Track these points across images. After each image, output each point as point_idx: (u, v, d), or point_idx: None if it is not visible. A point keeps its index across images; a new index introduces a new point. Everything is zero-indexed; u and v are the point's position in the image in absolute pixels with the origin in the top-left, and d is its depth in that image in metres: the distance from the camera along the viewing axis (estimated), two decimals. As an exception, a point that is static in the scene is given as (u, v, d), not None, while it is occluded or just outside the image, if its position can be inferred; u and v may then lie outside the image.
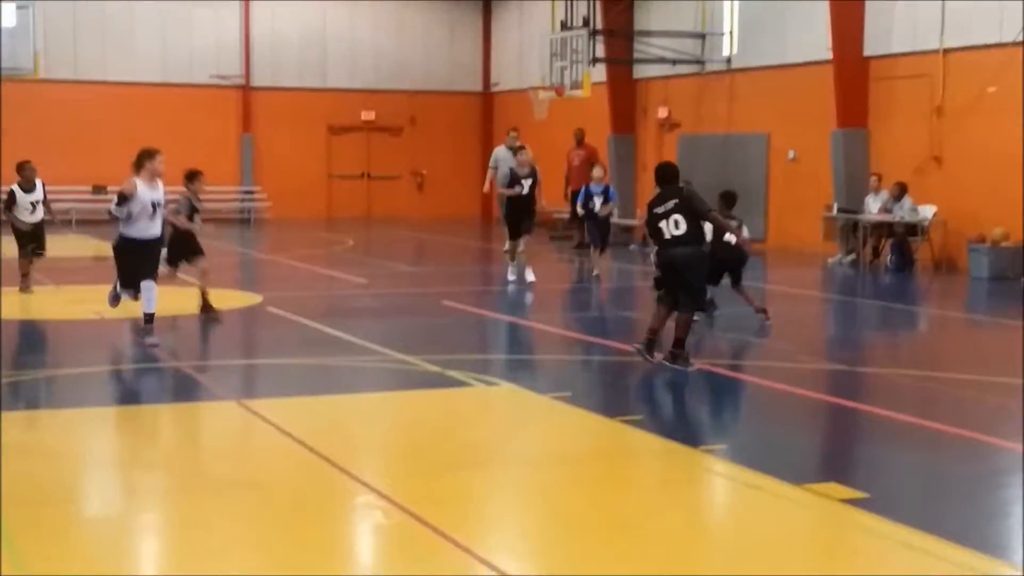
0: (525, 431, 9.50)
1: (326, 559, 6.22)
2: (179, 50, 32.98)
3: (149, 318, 12.28)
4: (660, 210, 10.97)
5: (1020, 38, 19.02)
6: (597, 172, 19.00)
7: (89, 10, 31.80)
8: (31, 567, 5.93)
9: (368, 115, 34.18)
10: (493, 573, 5.94)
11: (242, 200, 33.28)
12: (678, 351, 10.87)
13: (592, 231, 19.24)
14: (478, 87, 36.03)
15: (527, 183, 18.06)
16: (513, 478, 8.08)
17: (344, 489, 7.53)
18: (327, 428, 9.49)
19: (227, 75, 33.40)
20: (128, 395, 11.03)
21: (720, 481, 8.09)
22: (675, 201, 10.98)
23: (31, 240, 16.08)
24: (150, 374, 11.69)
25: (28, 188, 16.25)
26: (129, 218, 12.01)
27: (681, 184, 11.75)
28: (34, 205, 16.21)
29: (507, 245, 20.52)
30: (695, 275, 11.03)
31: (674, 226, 10.84)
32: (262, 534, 6.73)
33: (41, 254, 16.34)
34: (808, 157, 23.83)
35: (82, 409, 9.90)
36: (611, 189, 19.14)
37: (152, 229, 12.32)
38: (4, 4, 29.37)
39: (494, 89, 35.66)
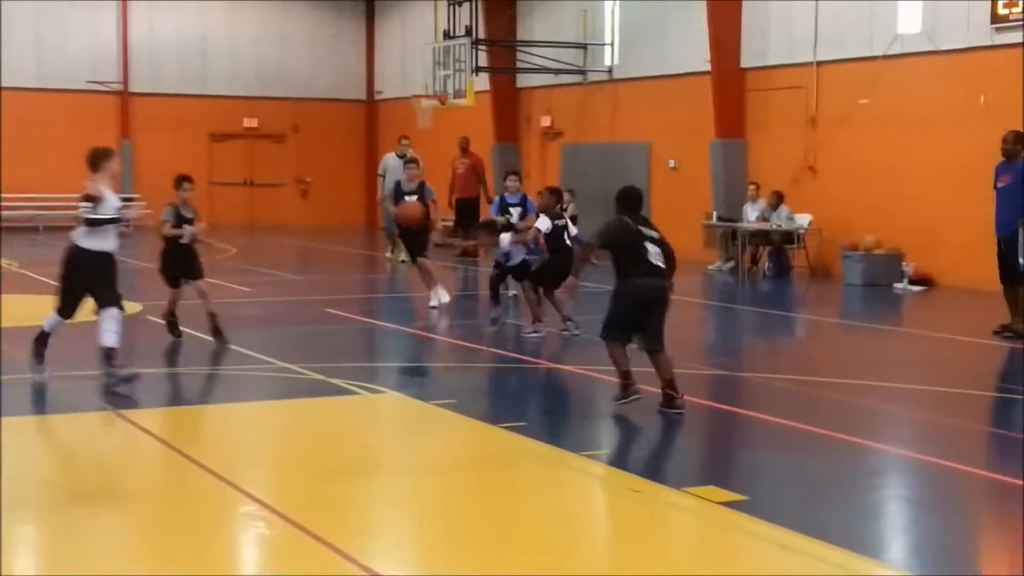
0: (409, 438, 9.46)
1: (204, 569, 6.13)
2: (54, 54, 32.42)
3: (110, 354, 10.41)
4: (650, 234, 9.99)
5: (889, 51, 19.58)
6: (512, 182, 16.05)
7: None
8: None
9: (251, 122, 34.08)
10: None
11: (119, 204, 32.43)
12: (675, 393, 9.60)
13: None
14: (362, 95, 36.04)
15: (411, 199, 15.97)
16: (397, 485, 8.03)
17: (225, 499, 7.42)
18: (208, 438, 9.40)
19: (104, 80, 32.95)
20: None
21: (601, 485, 8.14)
22: (654, 230, 10.13)
23: None
24: (22, 385, 11.10)
25: None
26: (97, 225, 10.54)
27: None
28: None
29: (390, 252, 20.53)
30: (665, 310, 10.06)
31: (657, 256, 9.92)
32: (138, 546, 6.62)
33: None
34: (688, 166, 24.16)
35: None
36: (528, 199, 15.97)
37: (114, 241, 10.79)
38: None
39: (378, 97, 35.67)
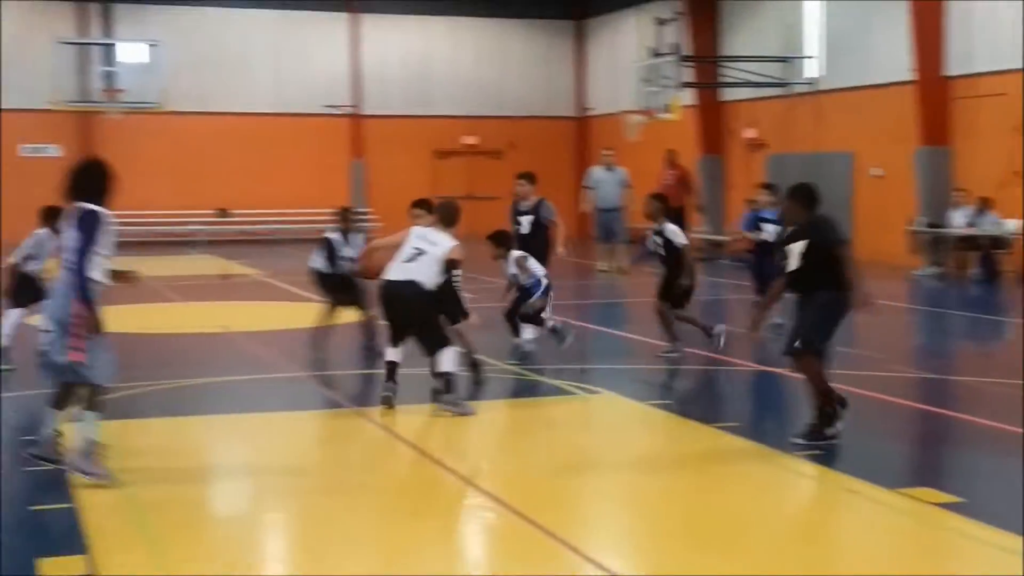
0: (625, 437, 9.55)
1: (439, 557, 6.42)
2: (292, 82, 33.58)
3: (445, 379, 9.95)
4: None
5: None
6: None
7: (208, 44, 32.67)
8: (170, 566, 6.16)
9: (470, 140, 34.50)
10: (602, 572, 6.01)
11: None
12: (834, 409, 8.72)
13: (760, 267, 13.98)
14: (573, 112, 36.22)
15: (526, 220, 13.83)
16: (616, 482, 8.07)
17: (457, 491, 7.80)
18: (439, 434, 9.73)
19: (338, 104, 33.86)
20: (255, 403, 10.84)
21: (817, 485, 8.09)
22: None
23: None
24: (275, 384, 11.72)
25: None
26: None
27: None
28: None
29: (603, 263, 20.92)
30: None
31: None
32: (374, 531, 6.90)
33: None
34: (893, 174, 23.72)
35: (209, 416, 10.24)
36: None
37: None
38: (124, 45, 30.68)
39: (588, 113, 35.80)
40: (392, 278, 10.11)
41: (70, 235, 7.67)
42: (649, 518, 7.25)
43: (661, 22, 27.34)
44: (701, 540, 6.64)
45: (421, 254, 10.02)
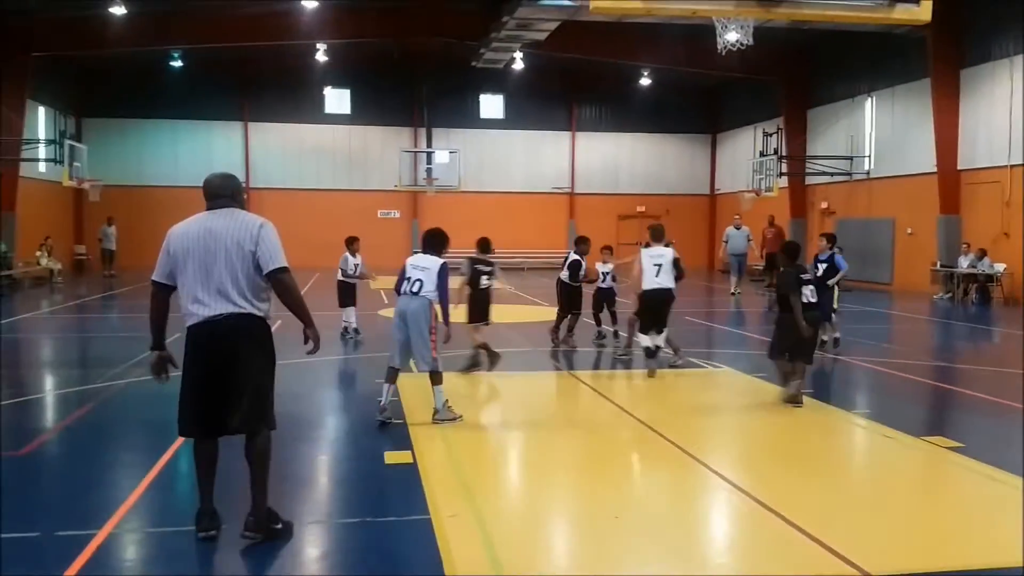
0: (738, 395, 8.76)
1: (623, 475, 6.17)
2: (534, 173, 33.97)
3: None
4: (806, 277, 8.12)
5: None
6: (822, 243, 11.93)
7: (486, 151, 33.20)
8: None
9: (641, 208, 34.21)
10: (717, 475, 5.71)
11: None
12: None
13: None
14: (707, 191, 35.75)
15: (822, 268, 11.49)
16: (733, 421, 7.55)
17: (639, 429, 7.26)
18: (626, 391, 9.06)
19: (561, 186, 34.40)
20: (511, 367, 9.82)
21: (865, 432, 7.30)
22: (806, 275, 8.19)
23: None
24: (522, 356, 10.82)
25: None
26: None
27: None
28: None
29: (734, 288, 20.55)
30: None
31: (811, 293, 8.08)
32: (582, 458, 6.38)
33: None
34: (921, 233, 23.12)
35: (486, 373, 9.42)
36: (836, 257, 11.57)
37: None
38: (438, 152, 31.68)
39: (716, 192, 35.40)
40: (654, 287, 9.39)
41: (429, 274, 7.02)
42: (757, 444, 6.97)
43: (767, 134, 27.44)
44: (789, 459, 6.42)
45: (661, 267, 9.41)
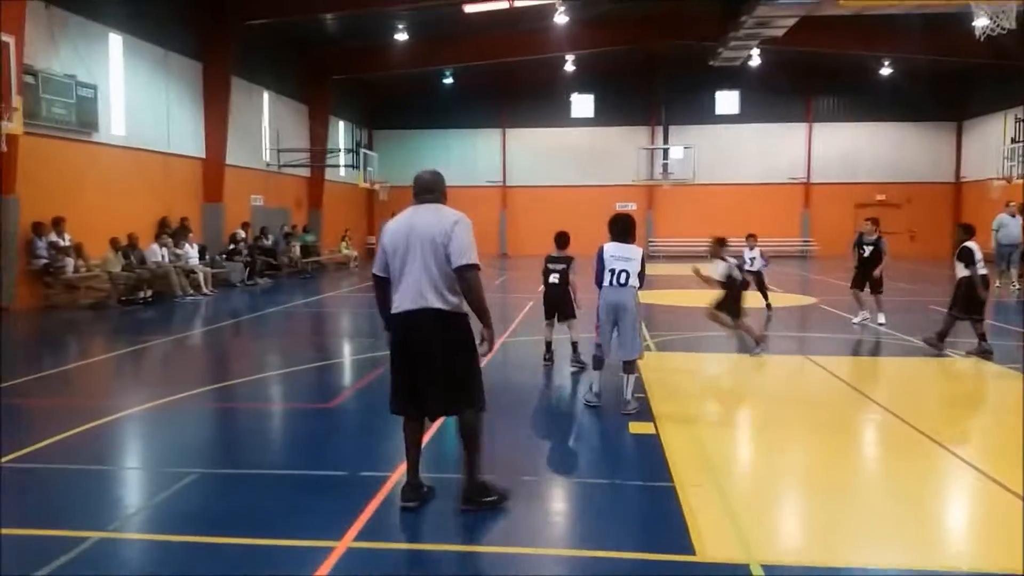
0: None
1: (840, 445, 5.82)
2: (768, 164, 32.81)
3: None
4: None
5: None
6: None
7: (718, 145, 32.11)
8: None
9: (880, 196, 32.29)
10: (932, 440, 5.52)
11: (802, 245, 32.81)
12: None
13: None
14: (951, 179, 32.69)
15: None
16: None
17: (863, 403, 6.96)
18: (854, 373, 8.49)
19: (796, 177, 32.65)
20: (703, 348, 9.73)
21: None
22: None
23: None
24: (725, 339, 10.24)
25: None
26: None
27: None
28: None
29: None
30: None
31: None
32: (808, 435, 6.07)
33: None
34: None
35: (688, 353, 9.36)
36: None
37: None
38: (673, 148, 31.49)
39: (961, 180, 32.25)
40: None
41: (633, 264, 6.64)
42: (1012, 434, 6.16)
43: (1019, 120, 24.45)
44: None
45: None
